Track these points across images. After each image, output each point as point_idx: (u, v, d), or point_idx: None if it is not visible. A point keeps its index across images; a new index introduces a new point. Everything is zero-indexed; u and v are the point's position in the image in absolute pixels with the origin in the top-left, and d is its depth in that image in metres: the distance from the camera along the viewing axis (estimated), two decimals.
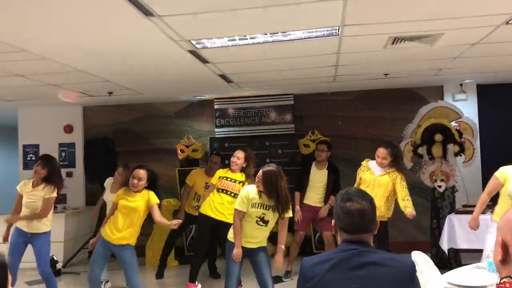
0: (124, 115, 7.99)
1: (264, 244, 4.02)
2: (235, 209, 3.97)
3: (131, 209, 4.24)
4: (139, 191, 4.29)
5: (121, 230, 4.22)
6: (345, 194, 1.96)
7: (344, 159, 6.95)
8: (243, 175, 5.13)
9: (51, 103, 7.29)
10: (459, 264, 5.71)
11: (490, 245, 3.93)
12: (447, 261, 5.90)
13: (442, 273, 3.23)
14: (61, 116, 7.90)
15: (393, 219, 6.77)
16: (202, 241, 5.36)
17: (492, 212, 4.39)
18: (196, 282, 5.41)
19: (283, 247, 3.96)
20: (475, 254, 4.76)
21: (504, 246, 1.34)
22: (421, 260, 3.01)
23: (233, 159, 5.12)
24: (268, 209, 3.88)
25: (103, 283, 5.65)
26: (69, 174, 7.87)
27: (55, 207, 7.26)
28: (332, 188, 5.84)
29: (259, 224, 3.91)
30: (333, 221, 1.99)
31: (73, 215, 7.19)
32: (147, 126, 7.94)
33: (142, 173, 4.29)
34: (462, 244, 5.38)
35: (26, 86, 5.64)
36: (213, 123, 7.63)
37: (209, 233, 5.30)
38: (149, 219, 6.59)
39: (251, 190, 3.93)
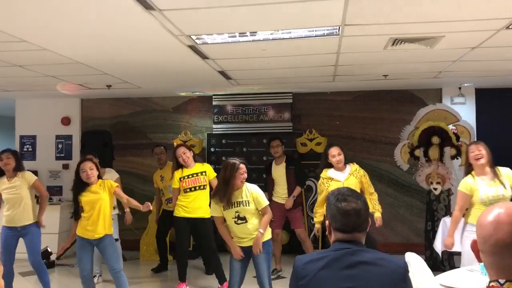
0: (122, 109, 7.98)
1: (265, 238, 3.96)
2: (213, 216, 4.10)
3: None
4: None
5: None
6: (338, 194, 1.96)
7: None
8: (200, 164, 5.29)
9: (49, 94, 7.27)
10: (452, 266, 5.73)
11: (467, 249, 3.95)
12: (441, 263, 5.92)
13: (435, 275, 3.25)
14: (59, 108, 7.88)
15: (388, 219, 6.83)
16: (181, 242, 5.35)
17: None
18: (186, 281, 5.43)
19: (261, 231, 3.91)
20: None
21: (474, 250, 1.36)
22: (415, 262, 3.02)
23: (182, 157, 5.15)
24: (239, 205, 3.90)
25: (96, 276, 5.66)
26: (66, 166, 7.85)
27: (50, 198, 7.29)
28: (295, 178, 5.86)
29: (237, 223, 3.94)
30: (327, 221, 1.99)
31: (68, 207, 7.15)
32: (144, 120, 7.93)
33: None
34: (456, 247, 5.37)
35: (25, 77, 5.62)
36: (211, 119, 7.63)
37: (188, 233, 5.38)
38: (145, 213, 6.66)
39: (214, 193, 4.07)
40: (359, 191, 4.65)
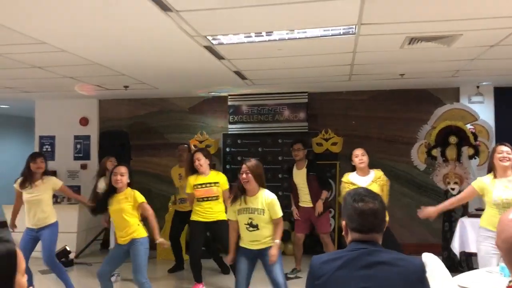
0: (139, 109, 8.06)
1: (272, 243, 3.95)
2: (229, 220, 4.13)
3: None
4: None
5: None
6: (355, 194, 1.95)
7: None
8: (215, 173, 5.25)
9: (67, 95, 7.39)
10: (470, 267, 5.66)
11: (482, 254, 3.90)
12: (458, 264, 5.85)
13: (452, 276, 3.21)
14: (77, 109, 8.00)
15: (405, 220, 6.77)
16: (194, 246, 5.38)
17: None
18: (202, 282, 5.45)
19: (277, 241, 3.91)
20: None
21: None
22: (432, 262, 2.99)
23: (196, 163, 5.13)
24: (253, 213, 3.89)
25: (114, 276, 5.72)
26: (84, 166, 7.97)
27: (68, 198, 7.40)
28: (319, 185, 5.81)
29: (249, 230, 3.93)
30: (343, 222, 1.99)
31: (86, 207, 7.27)
32: (161, 121, 8.00)
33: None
34: (474, 248, 5.32)
35: (44, 78, 5.72)
36: (227, 119, 7.66)
37: (203, 237, 5.39)
38: (162, 212, 6.68)
39: (232, 197, 4.06)
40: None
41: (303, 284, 2.08)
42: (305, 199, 5.87)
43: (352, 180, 4.80)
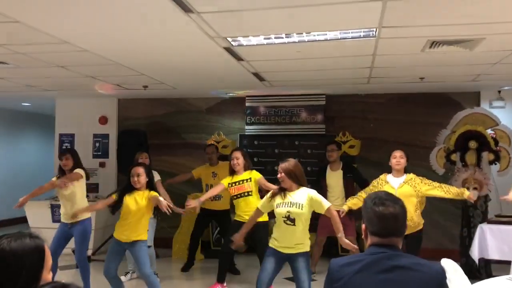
0: (157, 109, 8.13)
1: (305, 249, 3.92)
2: (257, 208, 4.16)
3: None
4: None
5: None
6: (376, 198, 1.94)
7: (375, 163, 6.85)
8: (248, 172, 5.25)
9: (87, 94, 7.49)
10: (489, 275, 5.58)
11: None
12: (477, 271, 5.76)
13: (471, 283, 3.17)
14: (96, 108, 8.10)
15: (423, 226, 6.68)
16: (227, 246, 5.39)
17: None
18: (224, 283, 5.45)
19: (340, 235, 3.87)
20: (507, 266, 4.65)
21: None
22: (451, 268, 2.96)
23: (233, 161, 5.18)
24: (292, 206, 3.88)
25: (129, 273, 5.79)
26: (102, 164, 8.07)
27: (87, 195, 7.50)
28: (359, 185, 5.77)
29: (286, 224, 3.91)
30: (363, 225, 1.98)
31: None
32: (179, 121, 8.05)
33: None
34: (494, 255, 5.24)
35: (66, 77, 5.81)
36: (244, 120, 7.68)
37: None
38: (175, 213, 6.73)
39: (269, 194, 4.08)
40: (413, 199, 4.65)
41: (320, 286, 2.08)
42: (333, 202, 5.82)
43: (387, 179, 4.85)
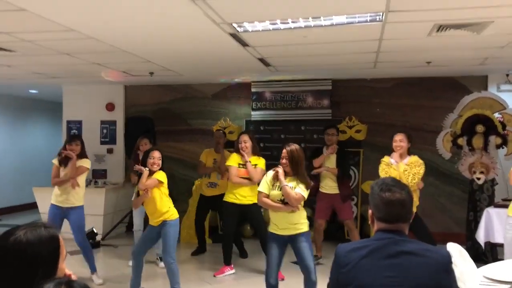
0: (164, 95, 8.15)
1: (304, 229, 4.00)
2: (258, 191, 4.14)
3: None
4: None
5: None
6: (382, 184, 1.96)
7: (381, 147, 6.82)
8: (256, 157, 5.30)
9: (94, 81, 7.51)
10: (495, 258, 5.60)
11: (508, 241, 3.87)
12: (483, 254, 5.79)
13: (477, 266, 3.20)
14: (103, 94, 8.13)
15: (429, 209, 6.71)
16: (229, 227, 5.54)
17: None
18: (231, 265, 5.57)
19: (287, 185, 3.92)
20: None
21: None
22: (457, 252, 2.98)
23: (241, 145, 5.24)
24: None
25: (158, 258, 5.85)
26: (110, 151, 8.13)
27: (95, 181, 7.58)
28: (339, 171, 5.82)
29: None
30: (370, 211, 2.00)
31: (112, 190, 7.44)
32: (185, 107, 8.07)
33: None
34: (500, 239, 5.26)
35: (72, 64, 5.83)
36: (250, 106, 7.68)
37: (235, 219, 5.51)
38: (186, 196, 6.77)
39: (270, 174, 4.08)
40: (415, 179, 4.72)
41: (325, 271, 2.12)
42: (327, 185, 5.87)
43: (390, 161, 4.89)
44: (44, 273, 1.35)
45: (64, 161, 5.11)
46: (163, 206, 4.49)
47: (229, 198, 5.39)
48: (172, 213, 4.52)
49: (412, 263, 1.83)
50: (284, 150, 4.03)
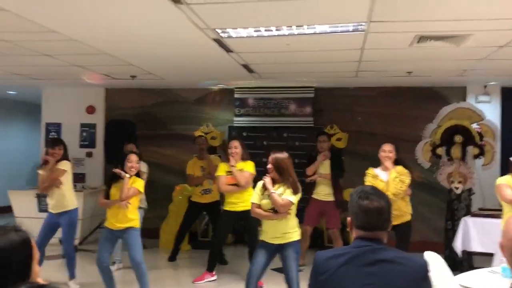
0: (145, 99, 8.08)
1: (294, 238, 3.99)
2: (251, 203, 4.13)
3: None
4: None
5: None
6: (361, 192, 1.97)
7: (362, 155, 6.92)
8: (243, 163, 5.29)
9: (75, 83, 7.41)
10: (471, 267, 5.68)
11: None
12: (460, 263, 5.87)
13: (454, 275, 3.24)
14: (84, 97, 8.03)
15: None
16: (221, 235, 5.51)
17: None
18: (214, 272, 5.53)
19: (274, 192, 3.92)
20: (489, 258, 4.74)
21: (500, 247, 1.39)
22: (434, 261, 3.02)
23: (231, 150, 5.25)
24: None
25: (116, 262, 5.79)
26: (89, 154, 8.02)
27: (74, 185, 7.46)
28: (332, 171, 5.85)
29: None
30: (348, 218, 2.01)
31: (91, 195, 7.33)
32: (167, 111, 8.02)
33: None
34: (476, 247, 5.36)
35: (52, 66, 5.75)
36: (233, 112, 7.67)
37: (230, 227, 5.51)
38: (166, 202, 6.72)
39: (260, 184, 4.08)
40: (403, 187, 4.72)
41: (306, 277, 2.11)
42: (320, 191, 5.89)
43: (376, 172, 4.87)
44: (17, 277, 1.32)
45: (46, 164, 5.04)
46: (133, 213, 4.47)
47: (225, 206, 5.39)
48: (137, 221, 4.55)
49: (390, 271, 1.84)
50: (270, 157, 4.04)
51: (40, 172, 5.07)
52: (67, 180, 5.09)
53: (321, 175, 5.87)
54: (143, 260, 4.51)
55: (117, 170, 4.43)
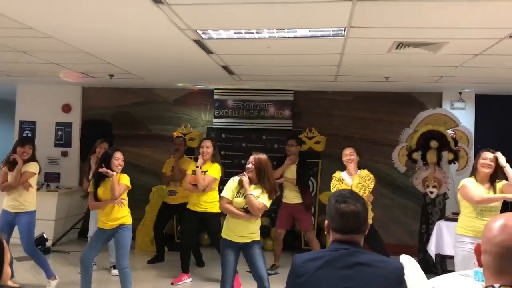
0: (123, 99, 7.98)
1: (257, 238, 4.05)
2: (221, 197, 4.11)
3: None
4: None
5: None
6: (339, 195, 1.99)
7: (339, 159, 6.91)
8: (210, 164, 5.24)
9: (51, 81, 7.28)
10: (444, 270, 5.80)
11: (459, 259, 4.02)
12: (433, 266, 5.98)
13: (428, 278, 3.30)
14: (60, 95, 7.88)
15: (384, 221, 6.88)
16: (186, 234, 5.49)
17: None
18: (189, 273, 5.51)
19: (251, 194, 3.92)
20: None
21: (477, 252, 1.42)
22: (409, 264, 3.07)
23: (202, 149, 5.20)
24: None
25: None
26: (64, 154, 7.88)
27: (48, 185, 7.31)
28: (298, 180, 5.89)
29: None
30: (326, 221, 2.03)
31: (65, 195, 7.20)
32: (145, 111, 7.94)
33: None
34: (449, 251, 5.45)
35: (28, 63, 5.62)
36: (212, 113, 7.65)
37: (195, 226, 5.44)
38: (142, 203, 6.64)
39: (236, 180, 4.06)
40: (364, 195, 4.73)
41: (283, 280, 2.12)
42: (289, 195, 5.92)
43: (342, 176, 4.93)
44: None
45: (13, 165, 4.90)
46: (123, 210, 4.41)
47: (188, 204, 5.39)
48: (128, 218, 4.47)
49: (366, 274, 1.87)
50: (251, 157, 4.04)
51: (4, 169, 4.94)
52: (34, 182, 4.99)
53: (287, 179, 5.91)
54: (127, 264, 4.42)
55: (103, 170, 4.33)
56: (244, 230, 3.98)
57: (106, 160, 4.40)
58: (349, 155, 4.96)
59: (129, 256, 4.49)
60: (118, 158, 4.40)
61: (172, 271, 5.78)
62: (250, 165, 4.01)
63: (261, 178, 3.99)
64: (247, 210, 3.95)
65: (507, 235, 1.35)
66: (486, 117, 7.07)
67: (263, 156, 4.05)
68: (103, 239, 4.52)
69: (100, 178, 4.41)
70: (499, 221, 1.39)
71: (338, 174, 4.96)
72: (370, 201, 5.01)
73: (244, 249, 4.02)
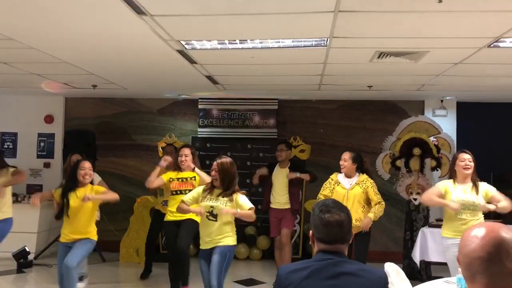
0: (107, 109, 7.92)
1: (221, 243, 3.96)
2: (181, 200, 4.16)
3: None
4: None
5: None
6: (323, 205, 2.00)
7: (323, 166, 7.03)
8: (191, 172, 5.13)
9: (33, 92, 7.18)
10: (429, 276, 5.85)
11: (451, 263, 4.09)
12: (418, 272, 6.02)
13: (412, 284, 3.32)
14: (42, 106, 7.78)
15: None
16: (181, 245, 5.28)
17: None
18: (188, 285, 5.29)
19: (238, 210, 3.92)
20: (446, 267, 4.88)
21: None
22: (394, 272, 3.08)
23: (181, 158, 5.08)
24: (216, 202, 3.97)
25: (83, 279, 5.56)
26: (47, 165, 7.76)
27: (30, 197, 7.17)
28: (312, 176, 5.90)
29: (209, 219, 3.99)
30: (310, 231, 2.03)
31: (48, 207, 7.05)
32: (129, 121, 7.88)
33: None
34: (434, 257, 5.51)
35: (9, 74, 5.55)
36: (196, 122, 7.63)
37: (175, 234, 5.21)
38: (127, 214, 6.53)
39: (202, 186, 4.13)
40: (362, 200, 4.80)
41: None
42: (279, 201, 5.88)
43: (338, 179, 4.94)
44: None
45: None
46: (91, 225, 4.33)
47: (171, 216, 5.10)
48: (94, 233, 4.37)
49: (351, 284, 1.88)
50: (214, 163, 4.02)
51: None
52: (9, 189, 4.89)
53: (301, 175, 5.83)
54: (76, 267, 4.21)
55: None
56: (210, 236, 3.98)
57: (72, 172, 4.31)
58: (342, 159, 4.97)
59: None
60: (83, 168, 4.26)
61: (158, 284, 5.70)
62: (214, 172, 4.00)
63: (225, 182, 3.98)
64: (213, 214, 3.95)
65: (473, 245, 1.36)
66: (467, 124, 7.19)
67: (225, 160, 4.03)
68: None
69: (71, 188, 4.28)
70: (471, 232, 1.41)
71: (334, 176, 5.00)
72: (367, 229, 4.91)
73: (210, 255, 3.98)
